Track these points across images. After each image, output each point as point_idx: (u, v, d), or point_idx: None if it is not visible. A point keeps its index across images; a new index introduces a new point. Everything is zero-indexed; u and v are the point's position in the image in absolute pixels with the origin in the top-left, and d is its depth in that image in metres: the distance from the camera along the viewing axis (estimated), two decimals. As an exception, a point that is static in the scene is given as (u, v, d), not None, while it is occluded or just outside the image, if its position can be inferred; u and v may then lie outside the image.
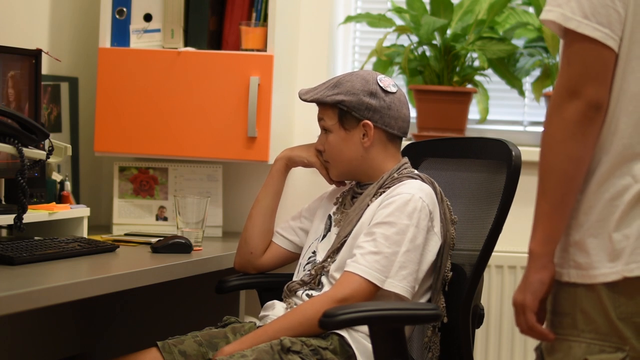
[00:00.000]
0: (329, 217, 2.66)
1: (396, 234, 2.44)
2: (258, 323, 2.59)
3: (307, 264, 2.61)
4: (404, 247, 2.43)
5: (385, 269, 2.42)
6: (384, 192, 2.53)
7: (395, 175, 2.56)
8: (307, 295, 2.52)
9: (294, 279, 2.61)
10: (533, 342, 3.45)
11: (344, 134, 2.59)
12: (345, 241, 2.53)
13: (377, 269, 2.41)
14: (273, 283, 2.75)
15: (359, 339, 2.43)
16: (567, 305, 1.84)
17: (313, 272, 2.55)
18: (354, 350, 2.41)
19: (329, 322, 2.28)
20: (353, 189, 2.65)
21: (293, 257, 2.75)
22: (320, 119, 2.62)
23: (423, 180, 2.54)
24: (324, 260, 2.55)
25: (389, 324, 2.33)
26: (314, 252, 2.62)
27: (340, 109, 2.57)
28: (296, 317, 2.44)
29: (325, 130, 2.62)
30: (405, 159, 2.63)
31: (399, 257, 2.42)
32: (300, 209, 2.80)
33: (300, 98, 2.63)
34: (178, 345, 2.50)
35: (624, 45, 1.78)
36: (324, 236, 2.63)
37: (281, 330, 2.41)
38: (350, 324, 2.35)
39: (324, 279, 2.54)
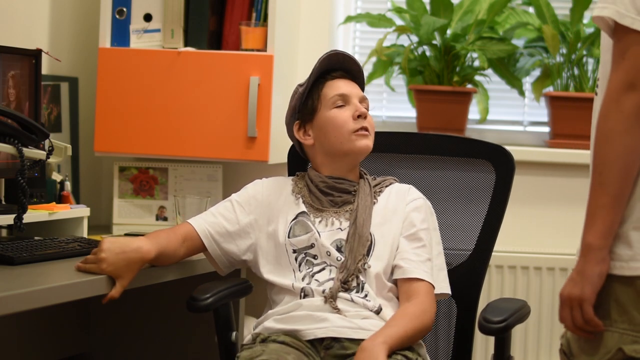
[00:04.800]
0: (300, 215, 2.52)
1: (431, 240, 2.51)
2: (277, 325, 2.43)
3: (301, 255, 2.48)
4: (435, 250, 2.51)
5: (432, 274, 2.48)
6: (379, 189, 2.55)
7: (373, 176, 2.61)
8: (352, 297, 2.42)
9: (295, 274, 2.47)
10: (532, 343, 3.46)
11: None
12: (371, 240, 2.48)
13: (431, 275, 2.47)
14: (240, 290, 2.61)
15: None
16: (601, 294, 1.85)
17: (350, 275, 2.43)
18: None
19: (491, 328, 2.26)
20: (327, 182, 2.53)
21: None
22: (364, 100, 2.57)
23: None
24: (357, 262, 2.44)
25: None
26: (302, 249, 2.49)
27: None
28: (410, 324, 2.38)
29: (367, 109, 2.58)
30: None
31: (434, 261, 2.49)
32: (228, 213, 2.58)
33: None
34: None
35: None
36: (307, 232, 2.49)
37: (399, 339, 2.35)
38: (510, 327, 2.33)
39: (361, 277, 2.45)
